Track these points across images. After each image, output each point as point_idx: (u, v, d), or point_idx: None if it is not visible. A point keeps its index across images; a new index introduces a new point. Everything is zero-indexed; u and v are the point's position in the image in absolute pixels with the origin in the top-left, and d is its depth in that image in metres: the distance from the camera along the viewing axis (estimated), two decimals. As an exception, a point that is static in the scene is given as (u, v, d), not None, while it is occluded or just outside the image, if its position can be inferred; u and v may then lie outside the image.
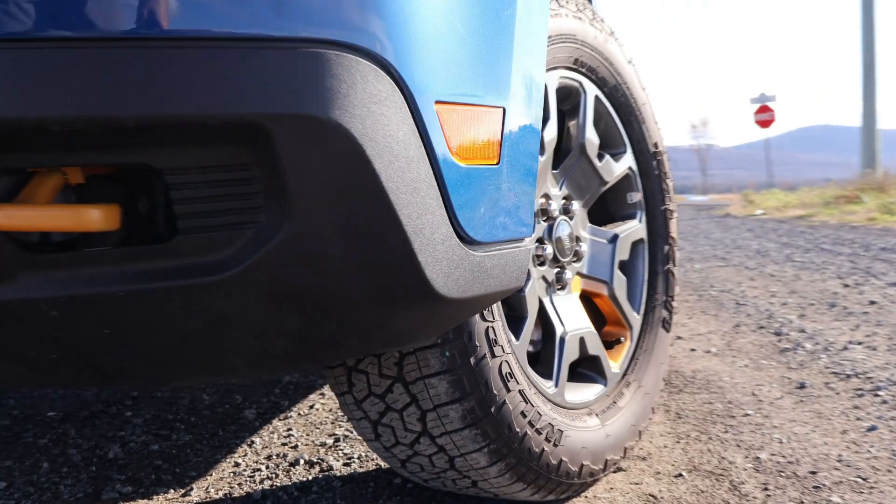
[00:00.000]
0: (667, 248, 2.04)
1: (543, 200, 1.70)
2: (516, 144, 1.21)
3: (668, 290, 2.03)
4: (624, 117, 1.93)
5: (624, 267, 1.96)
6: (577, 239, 1.82)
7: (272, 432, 2.20)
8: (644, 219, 2.01)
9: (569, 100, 1.79)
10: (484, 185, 1.13)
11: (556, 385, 1.64)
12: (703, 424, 2.13)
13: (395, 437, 1.49)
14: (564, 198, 1.79)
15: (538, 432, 1.49)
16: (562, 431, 1.56)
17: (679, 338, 3.26)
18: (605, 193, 1.97)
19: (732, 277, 4.99)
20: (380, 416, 1.47)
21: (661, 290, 2.01)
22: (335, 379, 1.51)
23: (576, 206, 1.81)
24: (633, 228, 1.97)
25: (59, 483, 1.85)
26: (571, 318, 1.75)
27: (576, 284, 1.82)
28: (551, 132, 1.65)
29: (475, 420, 1.40)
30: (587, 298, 1.88)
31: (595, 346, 1.79)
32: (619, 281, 1.90)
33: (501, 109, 1.17)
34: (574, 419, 1.62)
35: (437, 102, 1.05)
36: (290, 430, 2.21)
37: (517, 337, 1.55)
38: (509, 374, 1.46)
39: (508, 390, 1.44)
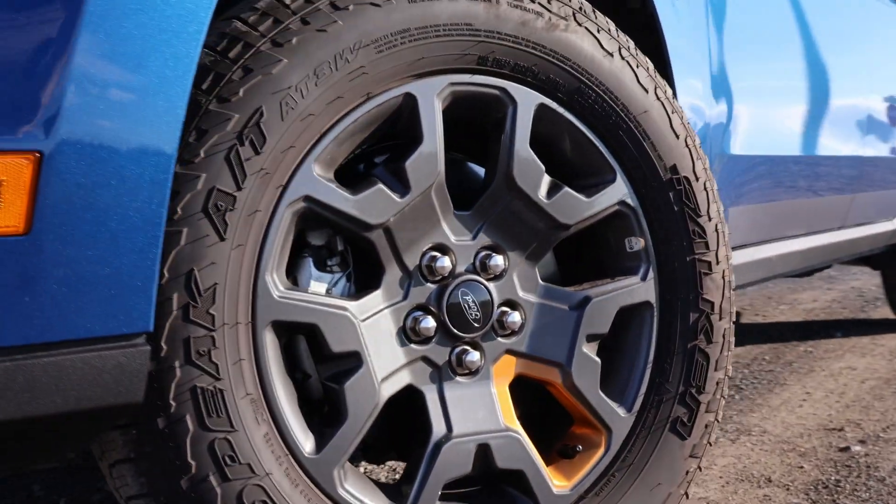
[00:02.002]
0: (695, 315, 1.41)
1: (432, 254, 1.24)
2: (72, 200, 0.82)
3: (690, 378, 1.40)
4: (605, 132, 1.35)
5: (614, 342, 1.39)
6: (511, 304, 1.31)
7: None
8: (652, 274, 1.40)
9: (489, 114, 1.29)
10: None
11: (411, 513, 1.19)
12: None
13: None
14: (485, 249, 1.29)
15: None
16: None
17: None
18: (590, 240, 1.41)
19: None
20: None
21: (676, 377, 1.40)
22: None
23: (509, 260, 1.31)
24: (626, 288, 1.38)
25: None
26: (471, 417, 1.26)
27: (503, 368, 1.31)
28: (426, 162, 1.19)
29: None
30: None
31: (515, 457, 1.28)
32: (584, 363, 1.34)
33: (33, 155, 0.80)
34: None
35: None
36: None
37: (321, 446, 1.14)
38: (262, 503, 1.07)
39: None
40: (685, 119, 1.42)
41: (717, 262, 1.43)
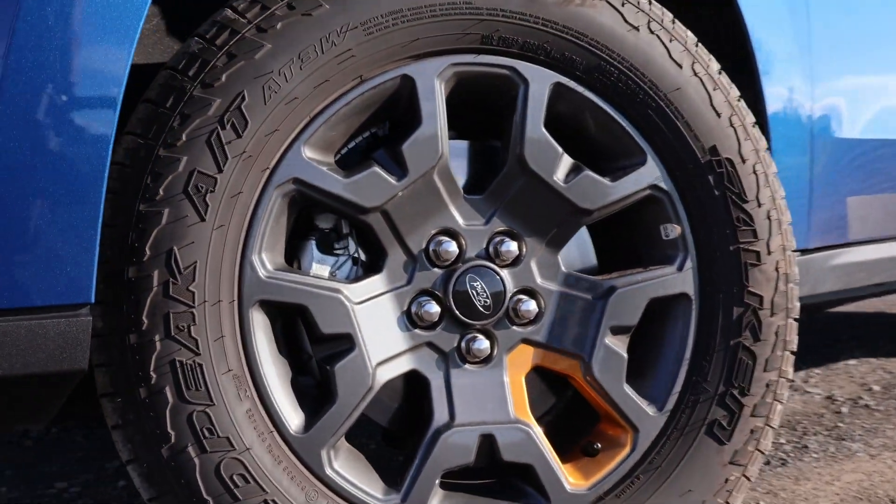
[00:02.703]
0: (739, 310, 1.28)
1: (439, 238, 1.22)
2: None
3: (733, 378, 1.28)
4: (632, 111, 1.27)
5: (643, 336, 1.30)
6: (528, 292, 1.26)
7: None
8: (690, 264, 1.30)
9: (501, 94, 1.25)
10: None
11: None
12: None
13: None
14: (499, 234, 1.25)
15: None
16: None
17: None
18: (626, 226, 1.32)
19: None
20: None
21: (716, 377, 1.28)
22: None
23: (527, 246, 1.26)
24: (659, 279, 1.28)
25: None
26: (478, 406, 1.23)
27: (518, 358, 1.27)
28: (425, 145, 1.18)
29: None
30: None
31: (523, 451, 1.23)
32: (608, 357, 1.26)
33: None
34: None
35: None
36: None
37: (310, 426, 1.15)
38: (241, 476, 1.09)
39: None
40: (732, 96, 1.30)
41: (769, 253, 1.29)
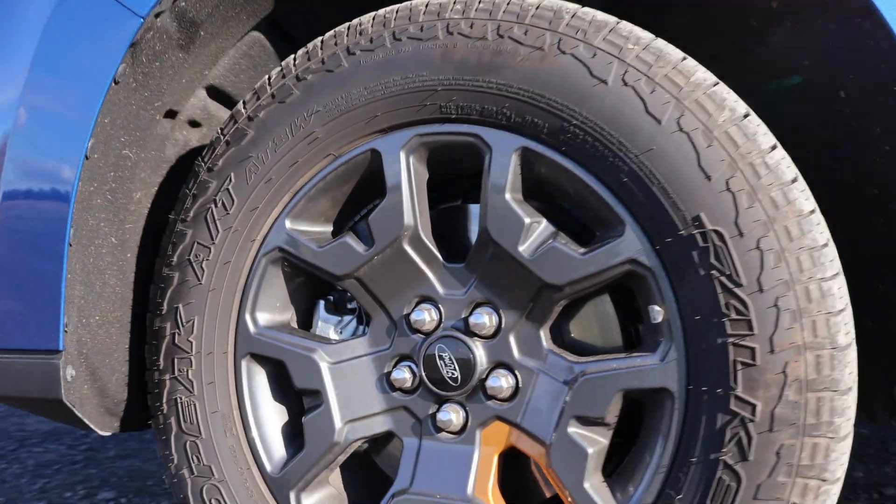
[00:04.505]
0: (724, 419, 1.02)
1: (419, 306, 1.25)
2: (24, 252, 1.21)
3: (707, 499, 1.02)
4: (606, 175, 1.10)
5: (631, 432, 1.12)
6: (506, 367, 1.20)
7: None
8: (676, 355, 1.07)
9: (475, 161, 1.20)
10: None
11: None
12: None
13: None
14: (479, 305, 1.22)
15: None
16: None
17: None
18: (618, 302, 1.14)
19: None
20: None
21: (690, 494, 1.04)
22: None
23: (504, 319, 1.20)
24: (633, 369, 1.09)
25: None
26: (438, 477, 1.22)
27: (494, 435, 1.21)
28: (390, 215, 1.22)
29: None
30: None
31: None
32: (566, 449, 1.12)
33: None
34: None
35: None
36: None
37: (284, 468, 1.28)
38: (217, 501, 1.29)
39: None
40: (747, 151, 1.04)
41: (772, 352, 1.01)
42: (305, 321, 1.37)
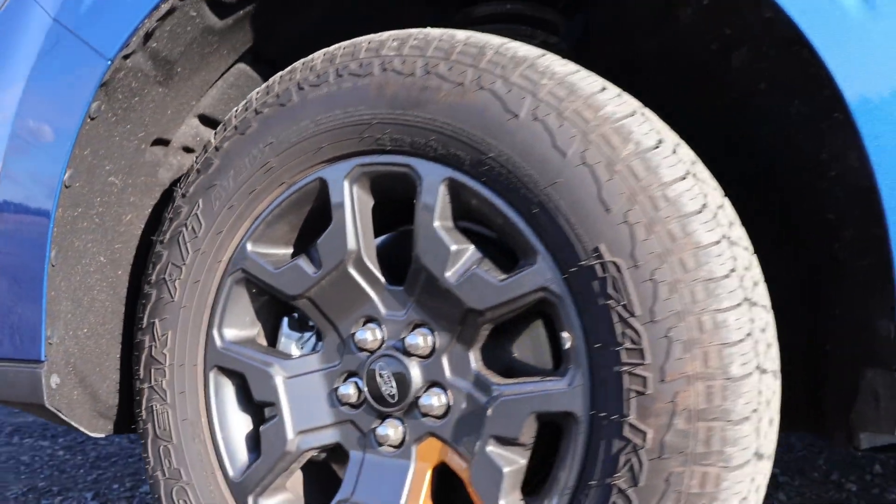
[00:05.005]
0: (619, 445, 1.04)
1: (365, 325, 1.32)
2: (11, 274, 1.35)
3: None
4: (521, 206, 1.14)
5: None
6: (441, 386, 1.26)
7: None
8: (581, 381, 1.10)
9: (410, 191, 1.26)
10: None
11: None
12: None
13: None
14: (417, 326, 1.28)
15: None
16: None
17: None
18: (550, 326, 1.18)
19: None
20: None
21: (590, 519, 1.07)
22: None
23: (438, 340, 1.26)
24: (542, 392, 1.13)
25: None
26: (375, 488, 1.30)
27: (428, 450, 1.27)
28: (334, 240, 1.30)
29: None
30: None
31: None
32: (483, 467, 1.17)
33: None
34: None
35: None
36: None
37: (244, 473, 1.37)
38: (184, 501, 1.39)
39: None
40: (642, 185, 1.06)
41: (663, 381, 1.03)
42: (273, 337, 1.47)
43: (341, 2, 1.54)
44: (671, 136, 1.15)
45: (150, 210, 1.56)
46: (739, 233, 1.14)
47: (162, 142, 1.55)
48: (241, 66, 1.58)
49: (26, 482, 2.53)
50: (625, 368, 1.06)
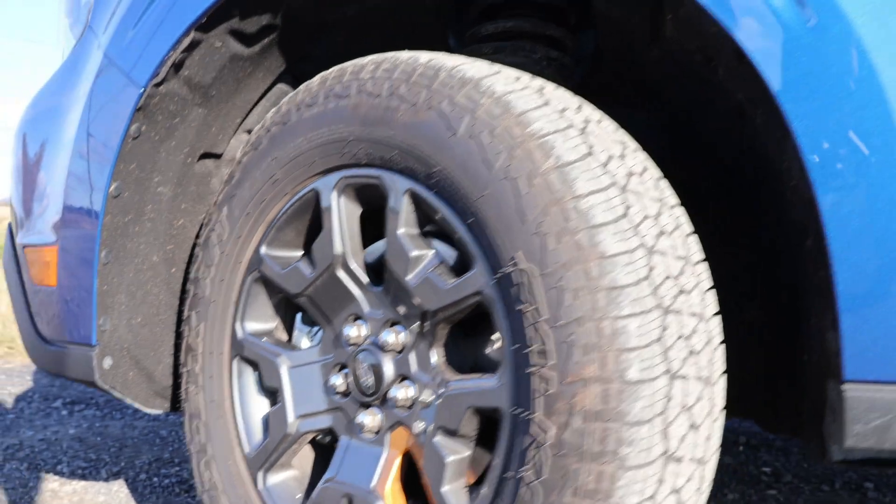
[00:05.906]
0: (527, 441, 1.11)
1: (352, 322, 1.46)
2: (72, 271, 1.59)
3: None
4: (463, 216, 1.23)
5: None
6: (411, 380, 1.37)
7: None
8: (506, 380, 1.17)
9: (386, 201, 1.38)
10: (45, 299, 1.65)
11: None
12: None
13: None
14: (394, 324, 1.40)
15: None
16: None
17: None
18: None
19: None
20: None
21: (506, 506, 1.14)
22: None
23: (408, 337, 1.37)
24: (477, 389, 1.21)
25: None
26: (355, 470, 1.43)
27: (398, 439, 1.39)
28: (324, 245, 1.45)
29: None
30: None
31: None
32: (431, 456, 1.27)
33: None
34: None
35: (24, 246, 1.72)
36: None
37: (255, 451, 1.55)
38: (209, 472, 1.59)
39: None
40: (556, 197, 1.13)
41: (563, 382, 1.09)
42: (290, 330, 1.64)
43: (365, 26, 1.69)
44: (612, 149, 1.20)
45: (202, 216, 1.77)
46: (672, 243, 1.18)
47: (212, 155, 1.76)
48: (282, 85, 1.76)
49: (157, 453, 2.86)
50: (534, 369, 1.14)
